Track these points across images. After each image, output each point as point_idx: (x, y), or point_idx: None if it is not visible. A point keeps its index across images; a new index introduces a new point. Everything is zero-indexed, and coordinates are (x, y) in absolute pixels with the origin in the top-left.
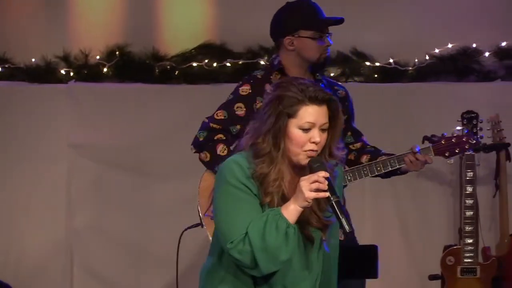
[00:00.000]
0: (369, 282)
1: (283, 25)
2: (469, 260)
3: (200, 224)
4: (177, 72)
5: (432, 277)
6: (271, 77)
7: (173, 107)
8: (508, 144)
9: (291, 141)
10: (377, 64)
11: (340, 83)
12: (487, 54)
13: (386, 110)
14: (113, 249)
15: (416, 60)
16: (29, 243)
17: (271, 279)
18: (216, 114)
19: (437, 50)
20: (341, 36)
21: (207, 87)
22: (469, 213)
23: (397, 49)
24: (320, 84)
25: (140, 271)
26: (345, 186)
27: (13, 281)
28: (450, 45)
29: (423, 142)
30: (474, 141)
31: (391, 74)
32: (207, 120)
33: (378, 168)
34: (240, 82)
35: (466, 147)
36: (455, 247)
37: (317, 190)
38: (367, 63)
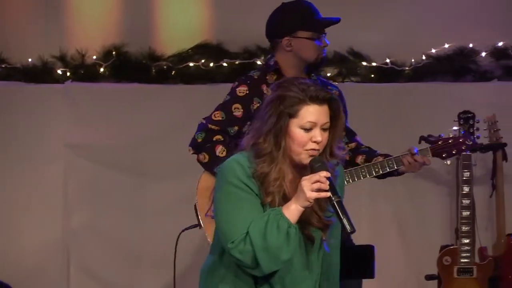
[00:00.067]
0: (365, 282)
1: (280, 25)
2: (466, 260)
3: (198, 225)
4: (173, 72)
5: (429, 277)
6: (267, 77)
7: (170, 107)
8: (505, 144)
9: (292, 141)
10: (374, 64)
11: (333, 83)
12: (483, 54)
13: (383, 110)
14: (109, 249)
15: (413, 60)
16: (25, 243)
17: (272, 279)
18: (214, 115)
19: (433, 50)
20: (338, 36)
21: (204, 87)
22: (465, 213)
23: (393, 49)
24: None
25: (137, 271)
26: None
27: (10, 281)
28: (446, 45)
29: (419, 142)
30: (471, 142)
31: (387, 74)
32: (204, 121)
33: (376, 170)
34: (236, 83)
35: (463, 148)
36: (451, 247)
37: (319, 190)
38: (364, 63)
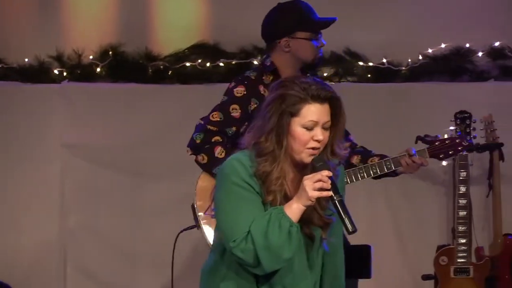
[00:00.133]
0: (362, 282)
1: (278, 26)
2: (462, 260)
3: (196, 226)
4: (170, 72)
5: (425, 277)
6: (263, 78)
7: (167, 107)
8: (501, 144)
9: (294, 140)
10: (370, 64)
11: (327, 83)
12: (480, 54)
13: (379, 110)
14: (106, 249)
15: (409, 60)
16: (22, 243)
17: (273, 278)
18: (212, 115)
19: (430, 50)
20: (335, 36)
21: (201, 87)
22: (462, 213)
23: (390, 49)
24: None
25: (134, 271)
26: None
27: (6, 281)
28: (443, 45)
29: (416, 142)
30: (467, 143)
31: (384, 74)
32: (202, 122)
33: (374, 171)
34: (233, 83)
35: (460, 148)
36: (448, 247)
37: (321, 189)
38: (360, 63)
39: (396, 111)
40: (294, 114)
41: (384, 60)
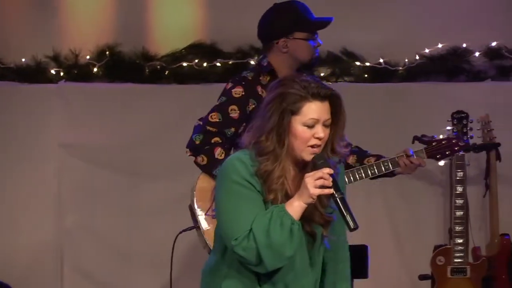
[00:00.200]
0: (359, 282)
1: (275, 27)
2: (459, 260)
3: (195, 227)
4: (167, 72)
5: (422, 277)
6: (260, 78)
7: (163, 107)
8: (498, 144)
9: (295, 138)
10: (367, 64)
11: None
12: (477, 54)
13: (376, 110)
14: (103, 248)
15: (406, 60)
16: (19, 243)
17: (274, 276)
18: (210, 116)
19: (427, 50)
20: (331, 36)
21: (197, 87)
22: (459, 213)
23: (387, 49)
24: None
25: (131, 271)
26: None
27: (3, 281)
28: (440, 45)
29: (413, 142)
30: (464, 143)
31: (381, 74)
32: (201, 123)
33: (372, 171)
34: (231, 84)
35: (456, 149)
36: (445, 247)
37: (322, 186)
38: (357, 63)
39: (393, 111)
40: (295, 112)
41: (381, 60)
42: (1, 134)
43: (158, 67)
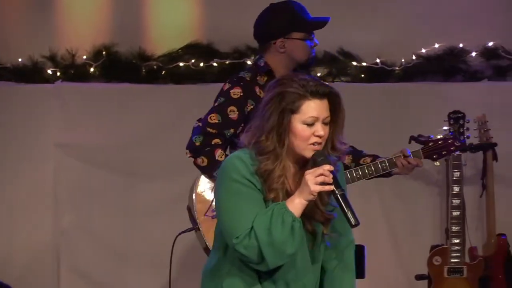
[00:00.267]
0: (356, 282)
1: (273, 27)
2: (456, 260)
3: (194, 229)
4: (163, 72)
5: (419, 277)
6: (258, 78)
7: (160, 107)
8: (495, 144)
9: (295, 137)
10: (364, 64)
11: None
12: (473, 54)
13: (373, 110)
14: (100, 249)
15: (403, 60)
16: (16, 243)
17: (275, 274)
18: (210, 117)
19: (423, 50)
20: (328, 36)
21: (194, 87)
22: (456, 213)
23: (383, 49)
24: None
25: (128, 271)
26: None
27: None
28: (436, 45)
29: (409, 142)
30: (460, 143)
31: (377, 74)
32: (201, 124)
33: (370, 172)
34: (229, 85)
35: (452, 149)
36: (442, 247)
37: (323, 183)
38: (354, 63)
39: (390, 111)
40: (294, 111)
41: (378, 60)
42: None
43: (155, 67)
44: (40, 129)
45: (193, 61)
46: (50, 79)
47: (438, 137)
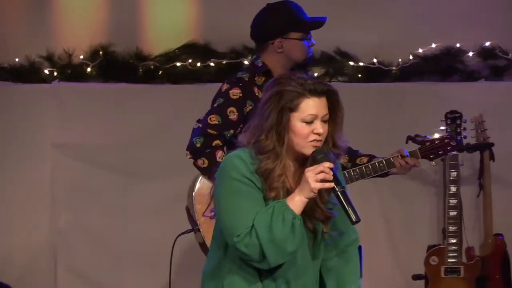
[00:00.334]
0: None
1: (270, 27)
2: (453, 260)
3: (193, 230)
4: (160, 72)
5: (416, 277)
6: (256, 79)
7: (157, 107)
8: (492, 144)
9: (294, 135)
10: (361, 64)
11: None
12: (471, 54)
13: (370, 110)
14: (97, 249)
15: (400, 60)
16: (13, 243)
17: (275, 272)
18: (210, 118)
19: (420, 50)
20: (325, 36)
21: (191, 87)
22: (453, 213)
23: (381, 49)
24: None
25: (126, 271)
26: None
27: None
28: (433, 45)
29: (406, 142)
30: (456, 143)
31: (374, 74)
32: (200, 125)
33: (368, 172)
34: (227, 85)
35: (449, 148)
36: (439, 247)
37: (323, 180)
38: (351, 63)
39: (387, 111)
40: (293, 109)
41: (375, 60)
42: None
43: (152, 67)
44: (37, 129)
45: (190, 61)
46: (47, 79)
47: (435, 136)
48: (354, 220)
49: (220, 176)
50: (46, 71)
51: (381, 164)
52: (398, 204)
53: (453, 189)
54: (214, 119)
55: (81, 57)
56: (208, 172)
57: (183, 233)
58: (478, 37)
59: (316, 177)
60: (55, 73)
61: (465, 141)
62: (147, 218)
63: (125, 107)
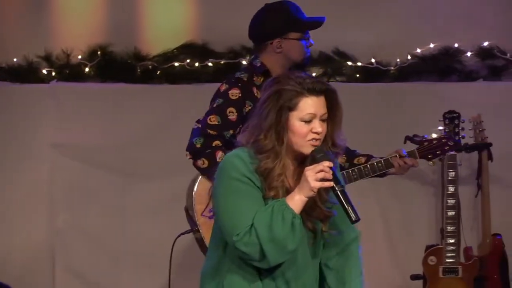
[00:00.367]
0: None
1: (269, 27)
2: (451, 260)
3: (193, 230)
4: (159, 72)
5: (414, 277)
6: (254, 79)
7: (155, 107)
8: (490, 144)
9: (293, 134)
10: (359, 64)
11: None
12: (469, 54)
13: (368, 110)
14: (95, 249)
15: (398, 60)
16: (11, 243)
17: (275, 271)
18: (209, 119)
19: (419, 50)
20: (323, 36)
21: (189, 87)
22: (451, 213)
23: (379, 49)
24: None
25: (124, 271)
26: None
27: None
28: (432, 45)
29: (405, 142)
30: (453, 143)
31: (373, 74)
32: (200, 126)
33: (367, 172)
34: (226, 85)
35: (447, 148)
36: (437, 247)
37: (323, 179)
38: (349, 63)
39: (385, 111)
40: (292, 108)
41: (373, 60)
42: None
43: (150, 67)
44: (35, 129)
45: (188, 61)
46: (45, 79)
47: (433, 136)
48: (353, 219)
49: (219, 175)
50: (44, 71)
51: (380, 164)
52: (397, 204)
53: (451, 189)
54: (213, 120)
55: (79, 57)
56: (208, 173)
57: (183, 234)
58: (476, 37)
59: (316, 176)
60: (53, 73)
61: (463, 141)
62: (145, 218)
63: (123, 107)
